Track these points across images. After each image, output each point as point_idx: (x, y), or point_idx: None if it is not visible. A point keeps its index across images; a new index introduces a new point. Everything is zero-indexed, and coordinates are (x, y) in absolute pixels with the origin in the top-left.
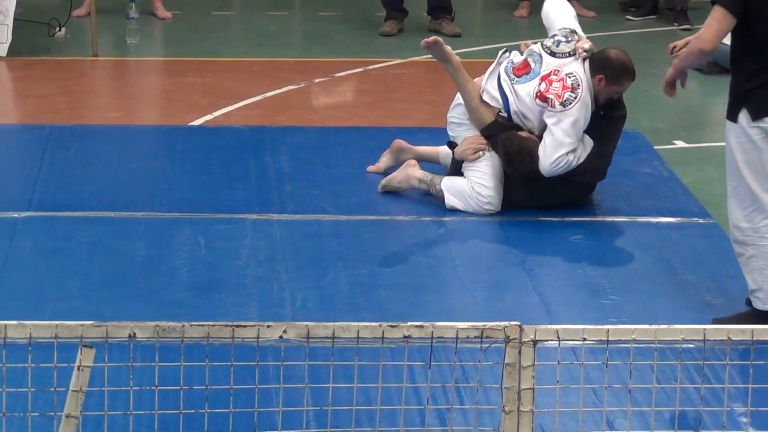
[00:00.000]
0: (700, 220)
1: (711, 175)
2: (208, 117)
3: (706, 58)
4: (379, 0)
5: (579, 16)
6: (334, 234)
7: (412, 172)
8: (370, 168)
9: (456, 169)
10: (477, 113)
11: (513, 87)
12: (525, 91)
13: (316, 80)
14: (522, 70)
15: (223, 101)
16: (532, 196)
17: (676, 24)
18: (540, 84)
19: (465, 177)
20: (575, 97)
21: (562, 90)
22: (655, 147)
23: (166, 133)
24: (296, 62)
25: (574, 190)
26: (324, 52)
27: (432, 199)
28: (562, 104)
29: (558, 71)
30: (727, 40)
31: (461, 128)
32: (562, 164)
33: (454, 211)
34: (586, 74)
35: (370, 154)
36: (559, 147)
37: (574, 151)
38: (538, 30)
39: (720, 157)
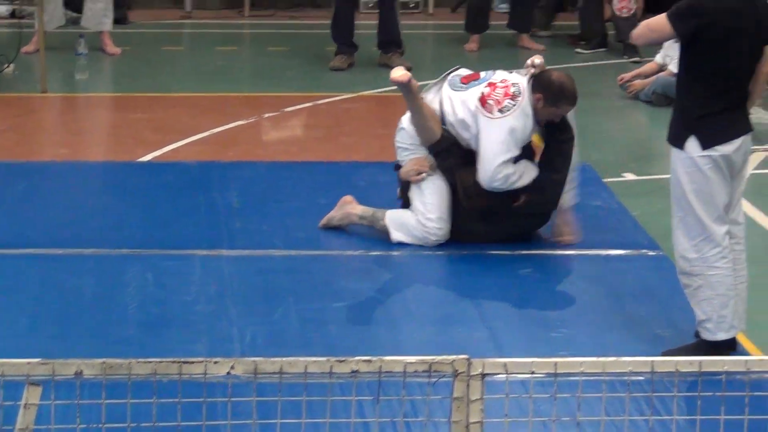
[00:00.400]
0: (650, 252)
1: (660, 207)
2: (157, 153)
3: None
4: (329, 34)
5: (528, 49)
6: (283, 269)
7: (351, 209)
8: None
9: (404, 190)
10: (429, 132)
11: (457, 95)
12: (469, 97)
13: (266, 115)
14: (470, 78)
15: (172, 137)
16: (487, 230)
17: (626, 57)
18: (484, 89)
19: (411, 208)
20: (514, 105)
21: (504, 96)
22: (605, 180)
23: (115, 169)
24: (245, 97)
25: (529, 222)
26: (273, 86)
27: (379, 234)
28: (500, 110)
29: (505, 80)
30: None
31: (406, 153)
32: (499, 177)
33: (401, 246)
34: (529, 90)
35: (320, 189)
36: (496, 156)
37: (513, 164)
38: (489, 64)
39: (669, 189)
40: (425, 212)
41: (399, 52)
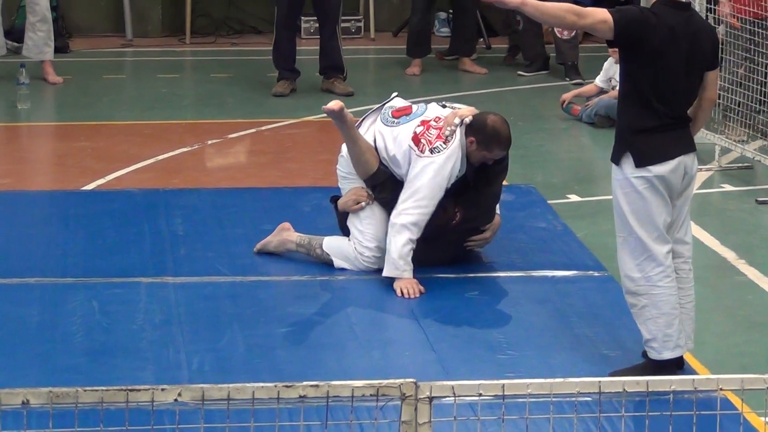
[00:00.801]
0: (596, 273)
1: (605, 228)
2: (101, 181)
3: (557, 27)
4: (271, 61)
5: (470, 72)
6: (229, 295)
7: (287, 237)
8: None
9: (342, 220)
10: (365, 165)
11: (389, 131)
12: (401, 133)
13: (209, 142)
14: (401, 112)
15: (115, 165)
16: (426, 254)
17: (567, 79)
18: (418, 128)
19: (345, 238)
20: (445, 148)
21: (436, 139)
22: (549, 201)
23: (58, 198)
24: (189, 124)
25: (460, 243)
26: (216, 113)
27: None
28: (431, 150)
29: (439, 119)
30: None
31: (346, 181)
32: (403, 223)
33: (349, 271)
34: (462, 134)
35: (264, 215)
36: (416, 207)
37: (424, 213)
38: (431, 87)
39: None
40: (362, 240)
41: (341, 78)
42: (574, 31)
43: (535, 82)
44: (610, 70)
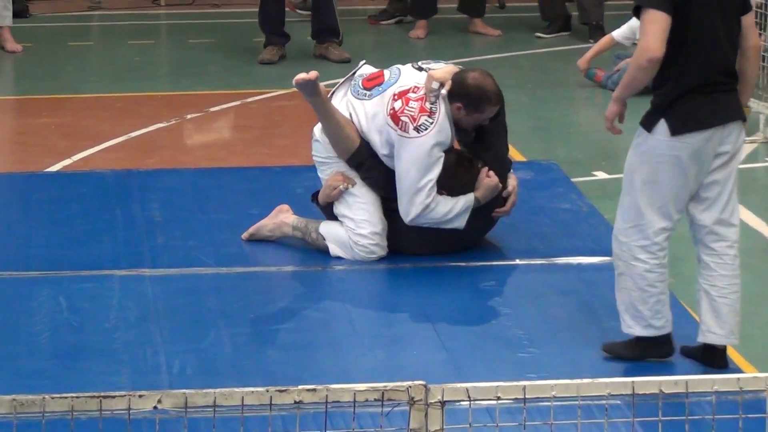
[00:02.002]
0: None
1: None
2: (67, 161)
3: (655, 69)
4: (257, 24)
5: (482, 35)
6: (213, 289)
7: (284, 219)
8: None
9: (330, 217)
10: (345, 141)
11: (361, 105)
12: (374, 108)
13: (189, 116)
14: (373, 81)
15: (83, 143)
16: (423, 242)
17: (591, 41)
18: (395, 101)
19: (343, 224)
20: (431, 123)
21: (419, 113)
22: (573, 179)
23: (19, 181)
24: (165, 96)
25: (471, 228)
26: (196, 84)
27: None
28: (416, 129)
29: (418, 88)
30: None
31: (325, 167)
32: (420, 211)
33: (348, 260)
34: (446, 101)
35: (252, 198)
36: (418, 191)
37: (431, 190)
38: (438, 51)
39: None
40: (355, 228)
41: (336, 42)
42: None
43: (555, 45)
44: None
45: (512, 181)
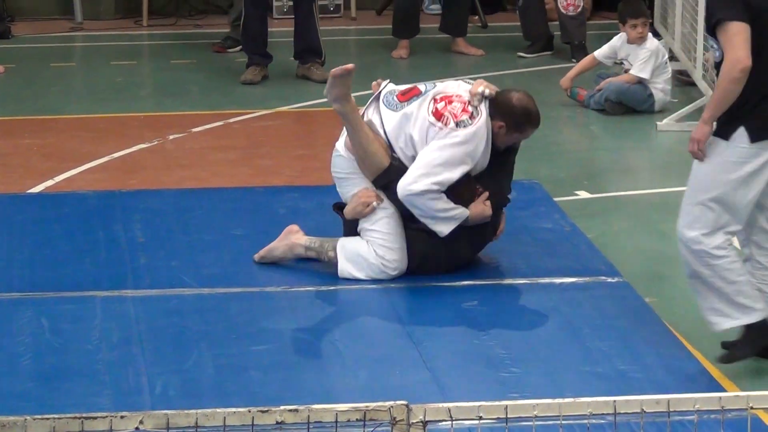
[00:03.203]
0: (609, 279)
1: (619, 227)
2: (50, 183)
3: (745, 80)
4: (239, 44)
5: (465, 54)
6: (196, 310)
7: (296, 240)
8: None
9: (351, 231)
10: (374, 158)
11: (400, 113)
12: (416, 111)
13: (171, 137)
14: (408, 95)
15: (65, 164)
16: (424, 256)
17: (574, 60)
18: (438, 103)
19: (364, 240)
20: (471, 124)
21: (462, 112)
22: (555, 199)
23: (1, 202)
24: (147, 117)
25: (464, 246)
26: (179, 104)
27: (305, 266)
28: (457, 124)
29: (461, 96)
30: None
31: (347, 182)
32: (421, 190)
33: (330, 280)
34: (487, 113)
35: (235, 219)
36: (430, 174)
37: (441, 184)
38: (421, 71)
39: (629, 208)
40: (384, 244)
41: (319, 62)
42: (581, 7)
43: (538, 65)
44: (622, 50)
45: (503, 218)
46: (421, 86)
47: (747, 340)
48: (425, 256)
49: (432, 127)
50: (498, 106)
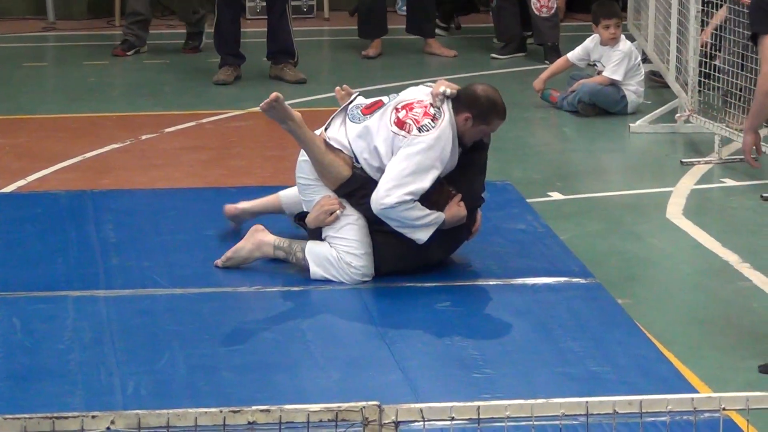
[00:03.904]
0: (582, 281)
1: (591, 229)
2: (21, 182)
3: None
4: (212, 45)
5: (437, 55)
6: (168, 310)
7: (263, 238)
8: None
9: (316, 237)
10: (331, 168)
11: (361, 126)
12: (378, 123)
13: (144, 137)
14: (372, 108)
15: (37, 164)
16: (396, 258)
17: (547, 62)
18: (398, 112)
19: (331, 247)
20: (433, 127)
21: (423, 116)
22: (528, 200)
23: None
24: (120, 117)
25: (436, 247)
26: (151, 104)
27: (277, 266)
28: (419, 129)
29: (421, 101)
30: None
31: (310, 190)
32: (394, 202)
33: (303, 280)
34: (450, 111)
35: (207, 219)
36: (401, 185)
37: (414, 195)
38: (392, 72)
39: (601, 209)
40: (348, 250)
41: (292, 63)
42: (554, 8)
43: (511, 66)
44: (595, 51)
45: (479, 218)
46: (385, 98)
47: None
48: (397, 259)
49: (396, 137)
50: (462, 99)
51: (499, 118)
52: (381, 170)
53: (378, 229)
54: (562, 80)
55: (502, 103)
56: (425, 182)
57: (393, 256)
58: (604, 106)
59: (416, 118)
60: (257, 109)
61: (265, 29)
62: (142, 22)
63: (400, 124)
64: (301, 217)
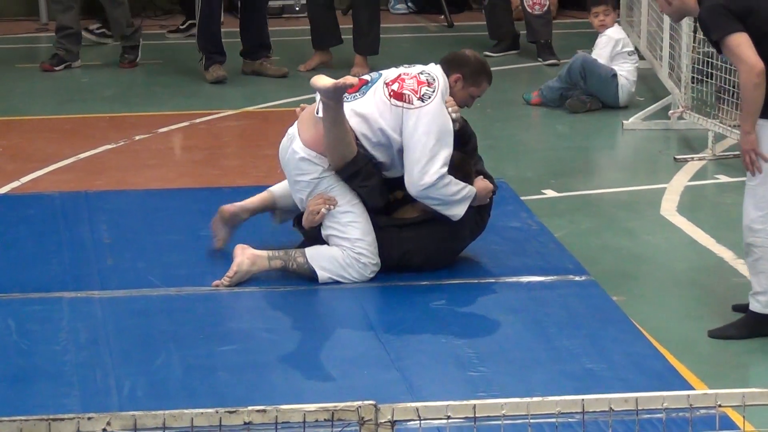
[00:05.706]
0: (576, 278)
1: (585, 227)
2: (15, 184)
3: (764, 81)
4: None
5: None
6: (163, 311)
7: (254, 252)
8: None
9: (313, 239)
10: (345, 150)
11: (355, 103)
12: (370, 101)
13: (137, 137)
14: (358, 86)
15: (31, 165)
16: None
17: (540, 59)
18: (392, 85)
19: (335, 245)
20: (433, 91)
21: (418, 85)
22: (522, 198)
23: None
24: (113, 118)
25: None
26: (144, 105)
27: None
28: (421, 99)
29: (408, 73)
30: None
31: (307, 190)
32: (434, 180)
33: (298, 281)
34: (443, 74)
35: (201, 219)
36: (432, 159)
37: (446, 163)
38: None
39: (595, 207)
40: (353, 247)
41: (268, 56)
42: (547, 6)
43: (504, 64)
44: (620, 44)
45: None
46: (367, 77)
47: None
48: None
49: (398, 109)
50: (452, 61)
51: (487, 80)
52: (380, 145)
53: (404, 223)
54: (540, 82)
55: (489, 67)
56: (450, 146)
57: (423, 249)
58: (594, 82)
59: (412, 88)
60: (252, 108)
61: (234, 28)
62: (73, 36)
63: (398, 96)
64: (297, 221)
